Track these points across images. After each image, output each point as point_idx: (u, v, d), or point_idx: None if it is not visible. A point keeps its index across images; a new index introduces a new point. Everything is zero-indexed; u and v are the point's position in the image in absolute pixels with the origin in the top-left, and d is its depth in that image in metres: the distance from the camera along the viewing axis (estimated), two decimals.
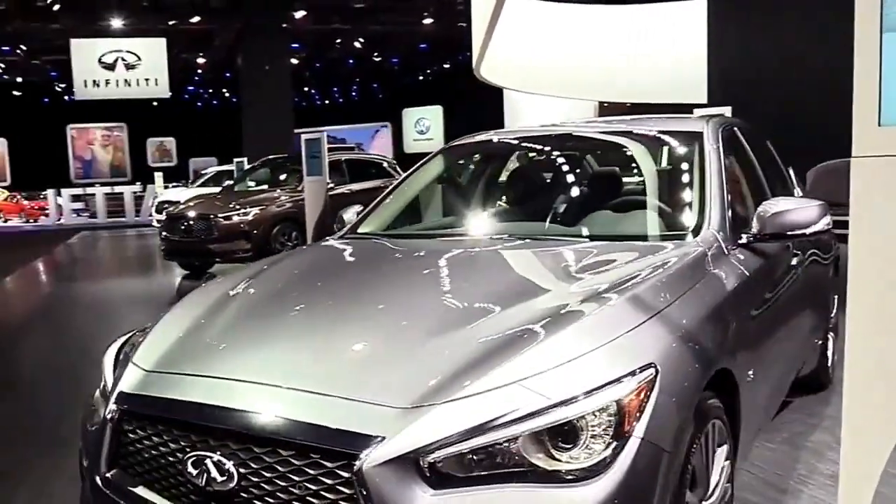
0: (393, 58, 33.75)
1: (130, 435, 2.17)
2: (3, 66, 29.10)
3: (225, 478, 1.92)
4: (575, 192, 3.82)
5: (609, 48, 16.15)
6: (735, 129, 3.66)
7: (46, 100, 35.45)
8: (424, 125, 38.40)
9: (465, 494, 1.76)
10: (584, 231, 3.15)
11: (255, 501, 1.90)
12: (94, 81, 24.33)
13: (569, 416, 1.79)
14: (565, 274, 2.63)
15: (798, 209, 2.77)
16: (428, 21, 24.81)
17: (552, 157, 4.12)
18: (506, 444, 1.77)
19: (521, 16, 15.20)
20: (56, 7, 22.19)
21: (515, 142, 4.31)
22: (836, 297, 4.40)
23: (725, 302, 2.50)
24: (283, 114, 24.13)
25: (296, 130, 24.06)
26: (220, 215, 10.53)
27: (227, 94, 39.59)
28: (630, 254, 2.69)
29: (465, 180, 4.31)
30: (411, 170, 4.09)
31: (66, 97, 34.46)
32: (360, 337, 2.21)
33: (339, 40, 30.02)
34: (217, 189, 14.72)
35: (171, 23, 24.44)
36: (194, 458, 1.97)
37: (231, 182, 14.72)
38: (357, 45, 30.08)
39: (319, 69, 35.71)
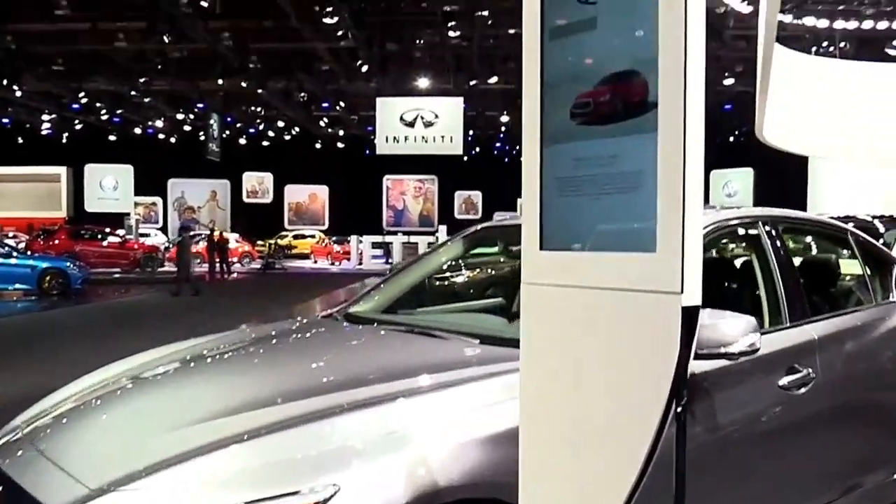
0: None
1: None
2: (326, 120, 32.30)
3: None
4: None
5: None
6: None
7: (367, 151, 38.63)
8: (732, 188, 35.91)
9: None
10: (500, 332, 3.04)
11: None
12: (395, 137, 25.91)
13: None
14: (384, 373, 2.61)
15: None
16: (730, 81, 23.11)
17: None
18: None
19: (799, 73, 13.18)
20: (368, 69, 23.98)
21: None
22: None
23: None
24: None
25: None
26: None
27: None
28: (481, 364, 2.57)
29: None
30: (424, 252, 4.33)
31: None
32: (147, 421, 2.49)
33: None
34: None
35: (471, 83, 25.31)
36: None
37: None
38: None
39: None
